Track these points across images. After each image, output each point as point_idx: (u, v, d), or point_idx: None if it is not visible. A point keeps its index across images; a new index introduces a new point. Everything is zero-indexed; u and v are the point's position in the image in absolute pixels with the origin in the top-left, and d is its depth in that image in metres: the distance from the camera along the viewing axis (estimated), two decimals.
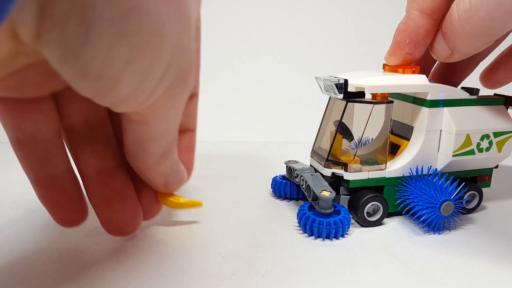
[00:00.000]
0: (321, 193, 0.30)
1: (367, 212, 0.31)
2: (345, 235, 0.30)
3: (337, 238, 0.30)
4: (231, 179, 0.43)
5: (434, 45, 0.31)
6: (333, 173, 0.32)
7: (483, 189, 0.35)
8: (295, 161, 0.37)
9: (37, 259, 0.27)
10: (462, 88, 0.35)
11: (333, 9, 0.65)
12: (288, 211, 0.35)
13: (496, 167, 0.36)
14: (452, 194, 0.30)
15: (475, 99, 0.33)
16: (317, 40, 0.65)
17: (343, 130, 0.32)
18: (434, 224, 0.30)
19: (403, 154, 0.33)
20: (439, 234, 0.31)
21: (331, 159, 0.32)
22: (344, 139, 0.33)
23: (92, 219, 0.33)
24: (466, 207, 0.34)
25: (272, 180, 0.38)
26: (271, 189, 0.38)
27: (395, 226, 0.32)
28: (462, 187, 0.31)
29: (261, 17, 0.64)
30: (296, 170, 0.34)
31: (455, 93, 0.32)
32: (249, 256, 0.27)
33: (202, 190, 0.39)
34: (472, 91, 0.34)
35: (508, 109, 0.35)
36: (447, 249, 0.28)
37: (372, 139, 0.36)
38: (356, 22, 0.65)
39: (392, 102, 0.32)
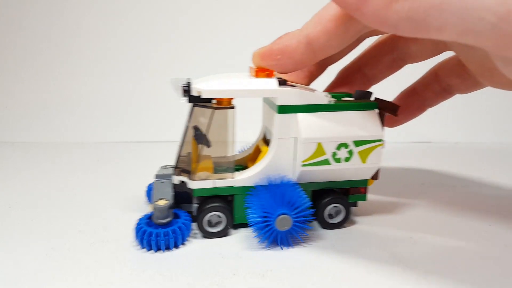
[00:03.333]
0: (156, 202, 0.28)
1: (213, 222, 0.30)
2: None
3: (177, 247, 0.28)
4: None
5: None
6: (182, 181, 0.30)
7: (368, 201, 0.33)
8: (170, 165, 0.34)
9: (37, 259, 0.27)
10: (357, 91, 0.32)
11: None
12: None
13: (376, 178, 0.32)
14: (295, 207, 0.28)
15: (338, 104, 0.30)
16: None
17: (197, 136, 0.30)
18: (270, 238, 0.28)
19: (257, 165, 0.31)
20: (292, 247, 0.28)
21: (180, 167, 0.30)
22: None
23: (93, 219, 0.34)
24: (330, 221, 0.31)
25: (147, 187, 0.36)
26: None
27: (394, 226, 0.32)
28: (307, 200, 0.29)
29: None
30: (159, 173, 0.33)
31: (313, 98, 0.29)
32: (249, 256, 0.27)
33: None
34: (365, 95, 0.31)
35: (386, 114, 0.31)
36: (447, 249, 0.28)
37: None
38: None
39: (233, 107, 0.29)
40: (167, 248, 0.28)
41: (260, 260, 0.27)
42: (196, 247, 0.28)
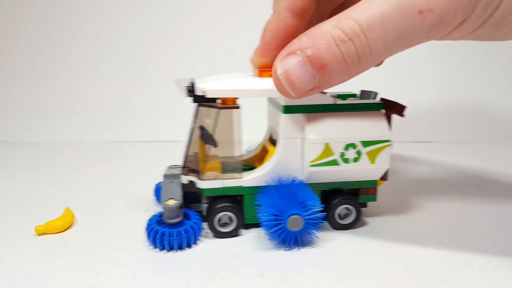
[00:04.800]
0: (166, 202, 0.28)
1: (223, 222, 0.30)
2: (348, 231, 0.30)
3: (189, 246, 0.28)
4: None
5: (295, 78, 0.26)
6: (191, 181, 0.30)
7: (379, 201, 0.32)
8: (178, 165, 0.34)
9: (37, 258, 0.27)
10: (362, 91, 0.33)
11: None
12: None
13: (385, 179, 0.32)
14: (307, 208, 0.27)
15: (344, 105, 0.30)
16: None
17: (203, 136, 0.30)
18: (284, 239, 0.28)
19: (265, 165, 0.31)
20: (298, 249, 0.28)
21: (188, 166, 0.30)
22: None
23: (93, 219, 0.34)
24: (341, 222, 0.31)
25: (155, 186, 0.37)
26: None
27: (394, 226, 0.32)
28: (318, 200, 0.28)
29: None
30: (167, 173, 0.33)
31: (318, 98, 0.29)
32: (249, 256, 0.27)
33: None
34: (369, 94, 0.31)
35: (393, 115, 0.31)
36: (447, 249, 0.28)
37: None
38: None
39: (238, 107, 0.29)
40: (180, 247, 0.28)
41: (260, 260, 0.27)
42: (196, 247, 0.28)
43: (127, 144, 0.60)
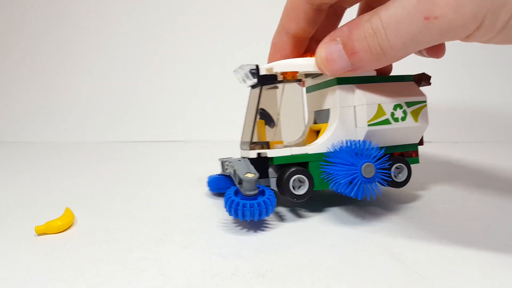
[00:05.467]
0: (245, 175, 0.30)
1: (295, 187, 0.33)
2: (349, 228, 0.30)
3: (261, 218, 0.30)
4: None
5: (331, 61, 0.31)
6: (258, 154, 0.34)
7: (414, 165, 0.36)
8: (230, 157, 0.38)
9: (37, 258, 0.27)
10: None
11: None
12: (285, 211, 0.35)
13: (421, 143, 0.37)
14: (373, 156, 0.31)
15: (383, 76, 0.35)
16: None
17: (264, 117, 0.35)
18: (358, 187, 0.30)
19: (324, 133, 0.35)
20: (368, 199, 0.33)
21: (255, 141, 0.34)
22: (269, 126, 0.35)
23: (93, 219, 0.34)
24: (395, 180, 0.35)
25: (208, 178, 0.39)
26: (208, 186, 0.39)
27: (394, 225, 0.32)
28: (383, 153, 0.32)
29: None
30: (226, 161, 0.36)
31: None
32: (249, 256, 0.27)
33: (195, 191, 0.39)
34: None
35: (421, 86, 0.37)
36: (447, 249, 0.28)
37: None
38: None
39: (300, 80, 0.34)
40: (252, 218, 0.30)
41: (260, 260, 0.27)
42: (197, 247, 0.28)
43: (127, 144, 0.60)
